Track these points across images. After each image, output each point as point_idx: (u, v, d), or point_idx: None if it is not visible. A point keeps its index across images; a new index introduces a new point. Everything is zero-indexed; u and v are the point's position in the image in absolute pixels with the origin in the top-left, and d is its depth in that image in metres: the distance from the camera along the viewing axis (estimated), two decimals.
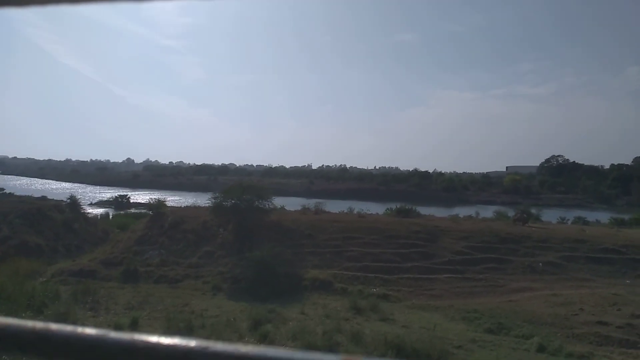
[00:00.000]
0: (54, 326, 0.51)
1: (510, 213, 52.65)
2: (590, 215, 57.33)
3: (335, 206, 40.27)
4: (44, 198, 44.10)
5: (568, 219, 50.02)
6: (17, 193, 54.48)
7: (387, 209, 34.35)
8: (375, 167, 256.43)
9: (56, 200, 39.89)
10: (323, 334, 17.39)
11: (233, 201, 29.79)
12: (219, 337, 17.23)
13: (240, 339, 17.27)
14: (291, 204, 35.98)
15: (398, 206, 34.37)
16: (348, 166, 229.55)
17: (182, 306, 21.48)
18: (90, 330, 0.49)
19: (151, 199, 35.43)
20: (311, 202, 42.12)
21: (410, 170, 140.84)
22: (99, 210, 59.29)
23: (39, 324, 0.51)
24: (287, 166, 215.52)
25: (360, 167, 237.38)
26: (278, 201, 44.18)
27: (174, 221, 30.70)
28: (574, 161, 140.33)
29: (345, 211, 34.89)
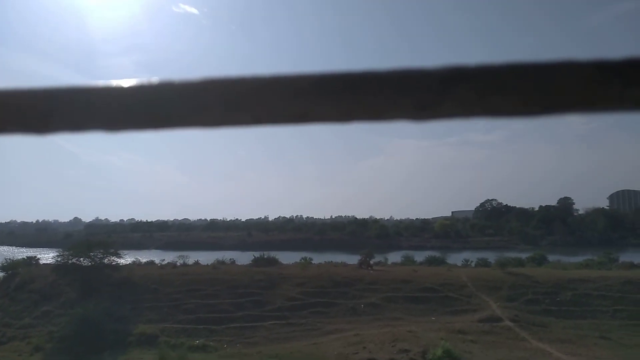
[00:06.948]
0: None
1: (420, 256, 54.98)
2: (512, 257, 60.04)
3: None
4: None
5: (471, 261, 52.24)
6: None
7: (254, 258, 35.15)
8: (331, 216, 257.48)
9: None
10: None
11: (78, 259, 30.12)
12: None
13: None
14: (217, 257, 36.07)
15: (257, 255, 35.38)
16: (305, 216, 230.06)
17: None
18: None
19: (7, 259, 35.20)
20: (245, 255, 41.74)
21: (366, 217, 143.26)
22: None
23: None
24: (243, 219, 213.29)
25: (317, 217, 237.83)
26: (211, 256, 43.37)
27: (22, 281, 30.67)
28: (506, 204, 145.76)
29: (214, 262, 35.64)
